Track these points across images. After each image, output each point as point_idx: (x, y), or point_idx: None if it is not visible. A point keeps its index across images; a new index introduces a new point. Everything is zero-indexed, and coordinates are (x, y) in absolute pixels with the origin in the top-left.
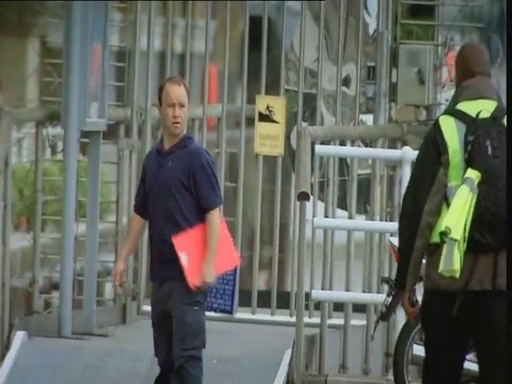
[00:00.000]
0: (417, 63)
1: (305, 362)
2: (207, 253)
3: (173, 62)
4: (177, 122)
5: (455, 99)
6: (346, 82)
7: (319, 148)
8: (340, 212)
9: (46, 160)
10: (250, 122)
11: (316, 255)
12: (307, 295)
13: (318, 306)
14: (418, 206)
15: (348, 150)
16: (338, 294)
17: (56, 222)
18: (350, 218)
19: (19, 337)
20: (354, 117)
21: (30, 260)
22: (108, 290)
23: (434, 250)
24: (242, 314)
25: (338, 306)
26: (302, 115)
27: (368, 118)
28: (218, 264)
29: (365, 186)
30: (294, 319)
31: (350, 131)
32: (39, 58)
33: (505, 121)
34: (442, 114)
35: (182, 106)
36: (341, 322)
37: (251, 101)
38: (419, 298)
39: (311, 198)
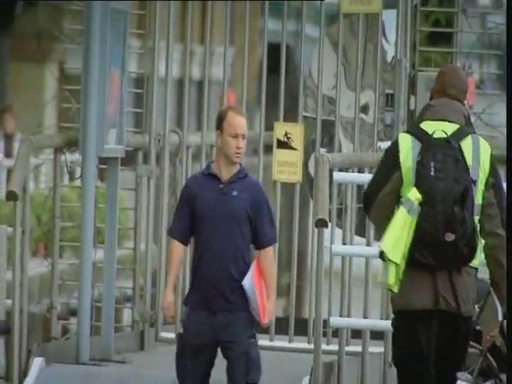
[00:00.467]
0: None
1: None
2: (270, 290)
3: (191, 89)
4: (239, 153)
5: (421, 117)
6: (364, 109)
7: (337, 175)
8: (358, 239)
9: (64, 186)
10: (268, 148)
11: (334, 282)
12: (325, 322)
13: (336, 332)
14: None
15: (366, 177)
16: (356, 321)
17: (74, 248)
18: (368, 245)
19: (37, 363)
20: (372, 144)
21: (47, 286)
22: (126, 316)
23: None
24: (259, 340)
25: (356, 333)
26: (320, 142)
27: (386, 146)
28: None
29: None
30: (311, 346)
31: (368, 158)
32: (57, 83)
33: (463, 145)
34: (404, 132)
35: (243, 137)
36: (359, 349)
37: (269, 127)
38: None
39: (329, 224)
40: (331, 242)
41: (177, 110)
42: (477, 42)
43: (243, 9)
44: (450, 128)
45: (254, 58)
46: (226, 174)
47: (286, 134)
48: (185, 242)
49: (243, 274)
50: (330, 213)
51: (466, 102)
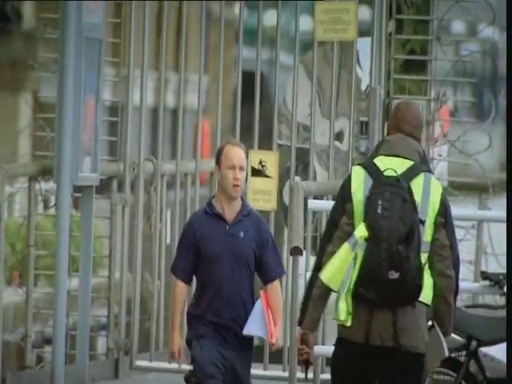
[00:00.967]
0: None
1: None
2: (278, 317)
3: (165, 117)
4: (237, 185)
5: (376, 151)
6: (338, 136)
7: (312, 203)
8: None
9: (38, 214)
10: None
11: None
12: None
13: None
14: (323, 255)
15: None
16: (331, 349)
17: (48, 277)
18: None
19: None
20: (346, 171)
21: (22, 314)
22: (100, 344)
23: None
24: None
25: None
26: (295, 170)
27: None
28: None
29: None
30: (286, 374)
31: None
32: (32, 112)
33: (413, 183)
34: (357, 165)
35: (241, 169)
36: None
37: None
38: None
39: (304, 252)
40: (306, 270)
41: (151, 138)
42: (451, 70)
43: (218, 36)
44: (402, 165)
45: (229, 86)
46: (229, 212)
47: (260, 162)
48: (188, 282)
49: (250, 309)
50: (304, 240)
51: (421, 137)
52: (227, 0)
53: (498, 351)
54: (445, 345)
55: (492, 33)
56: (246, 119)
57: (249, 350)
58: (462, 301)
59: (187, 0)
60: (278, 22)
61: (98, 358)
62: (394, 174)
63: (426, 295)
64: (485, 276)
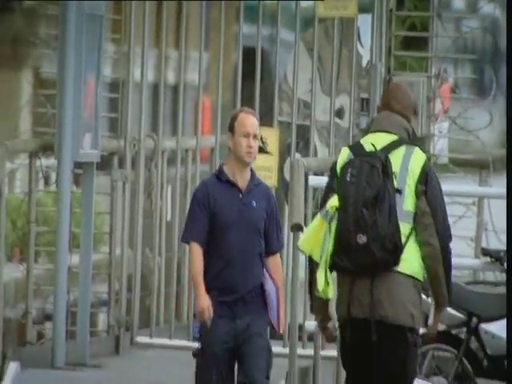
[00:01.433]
0: None
1: None
2: (282, 297)
3: (166, 94)
4: (250, 152)
5: (366, 131)
6: (339, 113)
7: (312, 179)
8: None
9: (39, 191)
10: None
11: None
12: (300, 326)
13: (312, 337)
14: None
15: None
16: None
17: (49, 253)
18: None
19: (12, 368)
20: None
21: (23, 291)
22: (101, 320)
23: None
24: None
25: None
26: (296, 147)
27: None
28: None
29: None
30: (287, 350)
31: None
32: (33, 89)
33: (393, 154)
34: (346, 146)
35: (255, 137)
36: (334, 353)
37: None
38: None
39: (304, 228)
40: None
41: (152, 114)
42: (452, 47)
43: (218, 13)
44: (386, 139)
45: (230, 63)
46: (241, 181)
47: (261, 139)
48: (203, 246)
49: (261, 279)
50: (305, 217)
51: (411, 118)
52: None
53: (499, 328)
54: (431, 316)
55: (492, 9)
56: (246, 96)
57: (262, 309)
58: (462, 277)
59: None
60: None
61: (99, 334)
62: (373, 149)
63: (411, 266)
64: (485, 252)
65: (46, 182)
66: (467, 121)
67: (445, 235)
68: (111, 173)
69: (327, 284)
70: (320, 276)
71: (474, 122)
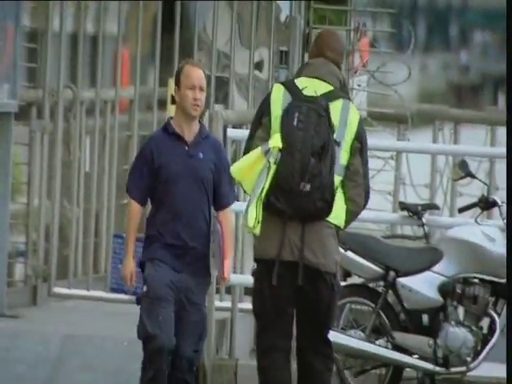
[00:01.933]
0: None
1: (215, 346)
2: (228, 249)
3: (85, 44)
4: (197, 105)
5: (298, 74)
6: (258, 66)
7: (231, 132)
8: None
9: None
10: (163, 104)
11: None
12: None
13: (229, 289)
14: None
15: None
16: (250, 278)
17: None
18: None
19: None
20: None
21: None
22: (18, 271)
23: None
24: None
25: (249, 290)
26: (215, 99)
27: None
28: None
29: None
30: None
31: None
32: None
33: (332, 106)
34: (278, 83)
35: (201, 89)
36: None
37: (164, 83)
38: None
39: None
40: None
41: (71, 65)
42: (371, 0)
43: None
44: (322, 87)
45: (149, 14)
46: (188, 134)
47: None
48: (143, 203)
49: (209, 232)
50: None
51: (341, 66)
52: None
53: (416, 282)
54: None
55: None
56: (165, 47)
57: (205, 275)
58: (380, 231)
59: None
60: None
61: (16, 284)
62: (314, 94)
63: (337, 216)
64: (403, 207)
65: None
66: (386, 75)
67: (367, 195)
68: (30, 123)
69: (258, 222)
70: (252, 212)
71: (392, 76)
